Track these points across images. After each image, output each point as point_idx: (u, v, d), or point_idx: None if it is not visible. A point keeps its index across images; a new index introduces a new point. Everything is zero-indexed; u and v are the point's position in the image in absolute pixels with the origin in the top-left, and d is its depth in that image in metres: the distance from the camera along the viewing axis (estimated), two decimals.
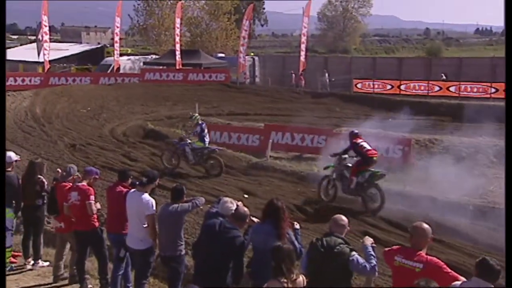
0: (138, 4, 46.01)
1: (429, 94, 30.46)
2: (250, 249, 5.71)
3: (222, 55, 40.10)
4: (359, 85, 32.92)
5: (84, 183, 7.22)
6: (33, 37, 44.54)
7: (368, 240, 5.18)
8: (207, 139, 14.51)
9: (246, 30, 33.41)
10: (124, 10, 36.85)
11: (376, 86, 32.27)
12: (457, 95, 29.66)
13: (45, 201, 7.96)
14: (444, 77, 32.20)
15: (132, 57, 39.74)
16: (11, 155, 7.97)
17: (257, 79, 37.62)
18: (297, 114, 22.24)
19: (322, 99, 28.46)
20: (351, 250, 4.94)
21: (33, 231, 8.03)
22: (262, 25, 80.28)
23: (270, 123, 20.00)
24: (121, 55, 36.71)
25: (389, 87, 32.25)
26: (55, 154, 15.64)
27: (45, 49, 31.54)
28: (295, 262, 4.64)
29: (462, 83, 30.62)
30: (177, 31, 34.94)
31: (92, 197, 7.09)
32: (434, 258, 4.65)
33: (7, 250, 7.57)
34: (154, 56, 40.04)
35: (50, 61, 32.66)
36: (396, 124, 18.76)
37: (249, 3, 42.13)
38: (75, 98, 25.30)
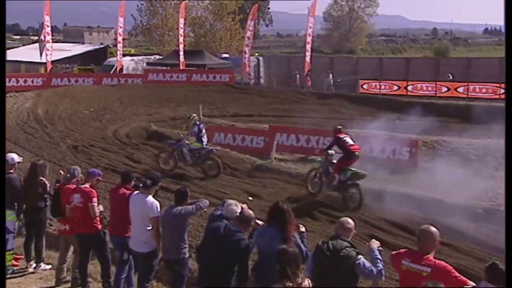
0: (142, 4, 45.89)
1: (437, 95, 30.11)
2: (255, 252, 5.64)
3: (227, 55, 39.92)
4: (365, 86, 32.70)
5: (87, 185, 7.15)
6: (35, 38, 44.45)
7: (375, 244, 5.13)
8: (205, 140, 14.36)
9: (250, 30, 33.27)
10: (127, 10, 36.74)
11: (382, 87, 32.00)
12: (465, 96, 29.30)
13: (47, 203, 7.90)
14: (451, 77, 31.93)
15: (135, 58, 39.65)
16: (14, 156, 7.91)
17: (261, 80, 37.44)
18: (302, 115, 22.10)
19: (327, 100, 28.19)
20: (358, 253, 4.89)
21: (35, 233, 7.98)
22: (267, 25, 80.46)
23: (275, 124, 19.83)
24: (124, 55, 36.63)
25: (396, 88, 31.95)
26: (58, 155, 15.59)
27: (48, 50, 31.43)
28: (300, 266, 4.57)
29: (470, 83, 30.25)
30: (181, 31, 34.82)
31: (95, 199, 7.02)
32: (442, 262, 4.60)
33: (9, 253, 7.52)
34: (157, 57, 39.91)
35: (52, 62, 32.47)
36: (403, 126, 18.60)
37: (253, 3, 42.11)
38: (77, 99, 25.24)
